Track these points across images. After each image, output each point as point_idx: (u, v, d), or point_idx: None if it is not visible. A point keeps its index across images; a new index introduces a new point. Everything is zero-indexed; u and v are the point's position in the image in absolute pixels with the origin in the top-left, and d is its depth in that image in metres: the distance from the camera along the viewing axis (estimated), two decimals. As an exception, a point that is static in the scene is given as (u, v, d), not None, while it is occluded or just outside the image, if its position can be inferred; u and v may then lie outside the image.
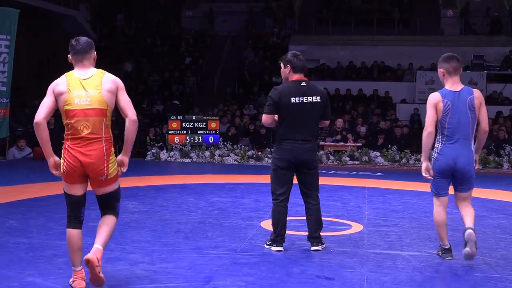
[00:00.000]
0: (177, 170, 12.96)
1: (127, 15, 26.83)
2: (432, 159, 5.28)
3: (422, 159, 5.30)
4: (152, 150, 14.77)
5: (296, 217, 6.44)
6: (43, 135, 4.26)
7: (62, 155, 4.27)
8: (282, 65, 5.54)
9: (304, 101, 5.37)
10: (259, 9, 26.16)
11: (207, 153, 14.43)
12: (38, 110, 4.28)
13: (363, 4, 25.75)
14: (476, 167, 5.27)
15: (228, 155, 14.39)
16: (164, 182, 10.30)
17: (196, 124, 14.90)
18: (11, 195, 8.29)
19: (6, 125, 12.97)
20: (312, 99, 5.41)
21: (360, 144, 14.81)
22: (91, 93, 4.18)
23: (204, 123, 14.97)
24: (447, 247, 5.29)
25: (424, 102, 8.42)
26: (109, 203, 4.38)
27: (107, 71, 4.44)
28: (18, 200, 7.97)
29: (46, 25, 22.08)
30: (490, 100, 19.86)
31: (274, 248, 5.41)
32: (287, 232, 5.56)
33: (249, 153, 14.35)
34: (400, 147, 14.00)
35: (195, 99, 21.51)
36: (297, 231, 6.10)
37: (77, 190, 4.30)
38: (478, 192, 9.47)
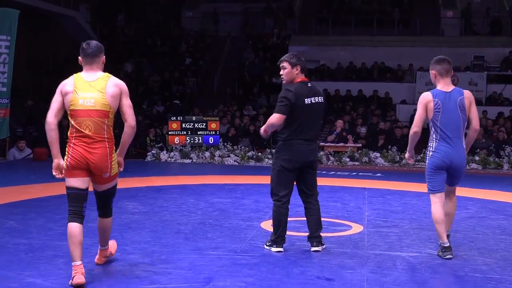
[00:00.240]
0: (177, 171, 12.94)
1: (127, 15, 26.83)
2: (427, 157, 5.47)
3: (407, 150, 5.69)
4: (152, 151, 14.76)
5: (296, 218, 6.43)
6: (52, 134, 4.47)
7: (67, 151, 4.45)
8: (288, 66, 5.48)
9: (313, 101, 5.42)
10: (258, 10, 26.16)
11: (207, 153, 14.43)
12: (49, 110, 4.50)
13: (363, 5, 25.73)
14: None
15: (228, 156, 14.38)
16: (164, 183, 10.28)
17: (196, 125, 14.90)
18: (11, 196, 8.28)
19: (6, 125, 12.95)
20: (318, 100, 5.47)
21: (360, 144, 14.81)
22: (95, 95, 4.39)
23: (204, 124, 14.96)
24: (446, 245, 5.32)
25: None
26: (107, 199, 4.68)
27: (107, 72, 4.59)
28: (18, 200, 7.96)
29: (46, 25, 22.08)
30: (490, 101, 19.87)
31: (274, 249, 5.41)
32: (287, 233, 5.55)
33: (249, 153, 14.34)
34: (400, 148, 13.99)
35: (195, 100, 21.50)
36: (297, 232, 6.10)
37: (79, 183, 4.45)
38: (478, 193, 9.53)
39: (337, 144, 14.63)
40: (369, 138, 15.62)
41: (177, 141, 14.72)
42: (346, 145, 14.56)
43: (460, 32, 24.13)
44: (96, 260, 4.85)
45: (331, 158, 14.15)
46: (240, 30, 25.72)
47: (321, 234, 5.55)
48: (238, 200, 8.48)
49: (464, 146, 5.44)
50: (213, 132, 14.99)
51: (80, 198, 4.49)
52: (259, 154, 14.36)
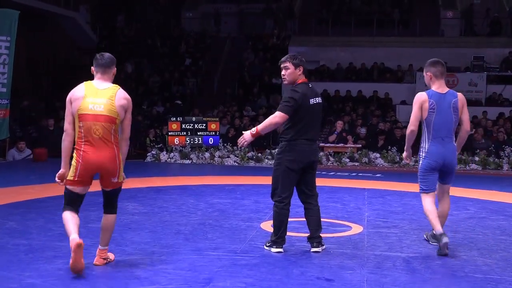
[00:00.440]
0: (177, 172, 12.93)
1: (127, 16, 26.81)
2: (420, 158, 5.66)
3: (405, 149, 5.80)
4: (152, 152, 14.75)
5: (296, 218, 6.42)
6: (66, 144, 4.73)
7: (75, 157, 4.68)
8: (291, 66, 5.47)
9: (315, 102, 5.45)
10: (258, 10, 26.15)
11: (207, 154, 14.43)
12: (65, 121, 4.77)
13: (363, 5, 25.70)
14: None
15: (228, 157, 14.38)
16: (164, 183, 10.28)
17: (196, 126, 14.90)
18: (10, 196, 8.26)
19: (6, 126, 12.93)
20: (319, 101, 5.52)
21: (360, 145, 14.80)
22: (105, 101, 4.65)
23: (204, 125, 14.96)
24: (441, 232, 5.42)
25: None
26: (113, 198, 4.85)
27: None
28: (17, 201, 7.94)
29: (46, 26, 22.06)
30: (490, 101, 19.84)
31: (274, 250, 5.41)
32: (287, 233, 5.55)
33: (249, 154, 14.33)
34: (400, 149, 13.97)
35: (195, 100, 21.48)
36: (297, 233, 6.09)
37: (80, 190, 4.73)
38: (478, 194, 9.53)
39: (337, 145, 14.63)
40: (369, 138, 15.62)
41: (177, 141, 14.72)
42: (346, 145, 14.56)
43: (460, 33, 24.11)
44: (95, 261, 4.86)
45: (331, 158, 14.15)
46: (237, 30, 25.67)
47: (321, 234, 5.55)
48: (238, 200, 8.47)
49: (455, 145, 5.66)
50: (213, 133, 15.00)
51: (77, 200, 4.76)
52: (259, 154, 14.36)
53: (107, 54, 4.87)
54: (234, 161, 14.21)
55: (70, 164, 4.72)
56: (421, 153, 5.65)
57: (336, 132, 14.87)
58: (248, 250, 5.49)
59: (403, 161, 13.51)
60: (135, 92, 20.63)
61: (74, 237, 4.53)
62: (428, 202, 5.63)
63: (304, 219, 5.62)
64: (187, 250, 5.43)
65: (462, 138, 5.77)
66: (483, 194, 9.57)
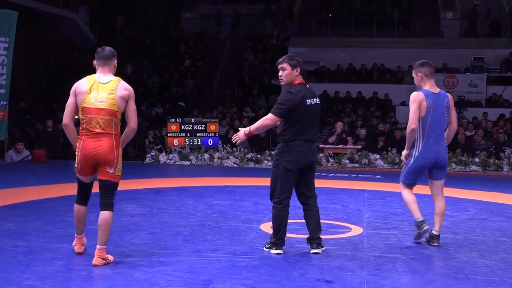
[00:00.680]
0: (176, 173, 12.92)
1: (126, 17, 26.79)
2: (413, 157, 5.84)
3: (406, 148, 5.92)
4: (151, 153, 14.72)
5: (296, 220, 6.40)
6: (71, 135, 5.06)
7: (77, 146, 4.95)
8: (288, 67, 5.46)
9: (313, 103, 5.42)
10: (258, 11, 26.14)
11: (206, 155, 14.41)
12: (64, 113, 5.00)
13: (362, 6, 25.69)
14: None
15: (228, 158, 14.36)
16: (163, 184, 10.26)
17: (195, 127, 14.88)
18: (9, 198, 8.24)
19: (5, 127, 12.89)
20: (317, 101, 5.49)
21: (360, 146, 14.78)
22: (106, 96, 4.87)
23: (203, 126, 14.95)
24: (421, 219, 5.81)
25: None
26: (107, 191, 4.96)
27: None
28: (16, 203, 7.91)
29: (45, 27, 22.08)
30: (490, 102, 19.84)
31: (273, 251, 5.39)
32: (287, 235, 5.53)
33: (249, 155, 14.32)
34: (400, 150, 13.92)
35: (194, 101, 21.47)
36: (296, 234, 6.07)
37: (84, 178, 5.07)
38: (478, 195, 9.51)
39: (337, 146, 14.61)
40: (368, 140, 15.60)
41: (176, 143, 14.70)
42: (346, 147, 14.54)
43: (460, 34, 24.10)
44: (93, 261, 4.85)
45: (331, 160, 14.13)
46: (237, 31, 25.65)
47: (320, 236, 5.53)
48: (237, 202, 8.45)
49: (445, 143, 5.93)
50: (212, 134, 14.98)
51: (86, 187, 5.12)
52: (259, 156, 14.34)
53: (107, 48, 5.09)
54: (234, 162, 14.19)
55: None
56: (414, 152, 5.82)
57: (336, 133, 14.85)
58: (248, 251, 5.47)
59: (403, 163, 13.50)
60: (135, 92, 20.52)
61: (77, 242, 5.09)
62: (407, 192, 5.95)
63: (304, 221, 5.59)
64: (186, 251, 5.41)
65: (450, 136, 5.98)
66: (483, 195, 9.55)
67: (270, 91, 20.77)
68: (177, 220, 6.94)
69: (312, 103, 5.41)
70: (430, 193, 6.10)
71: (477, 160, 13.74)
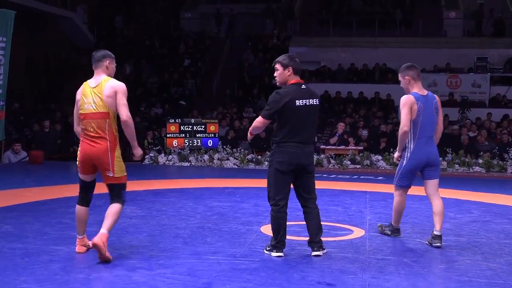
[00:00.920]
0: (175, 174, 12.89)
1: (125, 16, 26.76)
2: (405, 158, 5.96)
3: (397, 150, 6.07)
4: (150, 154, 14.67)
5: (297, 222, 6.37)
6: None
7: (79, 148, 5.23)
8: (280, 67, 5.43)
9: (307, 104, 5.32)
10: (258, 11, 26.10)
11: (206, 156, 14.35)
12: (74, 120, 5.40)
13: (364, 6, 25.64)
14: None
15: (227, 159, 14.30)
16: (162, 186, 10.22)
17: (194, 127, 14.84)
18: (6, 200, 8.20)
19: (2, 128, 12.82)
20: (313, 102, 5.38)
21: (362, 147, 14.73)
22: (96, 100, 5.07)
23: (203, 126, 14.90)
24: (398, 228, 6.25)
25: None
26: (115, 191, 5.15)
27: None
28: (13, 204, 7.88)
29: (43, 26, 22.09)
30: (494, 103, 19.75)
31: (274, 254, 5.34)
32: (287, 237, 5.49)
33: (249, 156, 14.26)
34: (401, 151, 13.90)
35: (194, 102, 21.42)
36: (297, 236, 6.03)
37: (84, 177, 5.22)
38: (481, 197, 9.46)
39: (338, 147, 14.55)
40: (370, 140, 15.55)
41: (175, 144, 14.65)
42: (347, 148, 14.48)
43: (463, 33, 24.01)
44: (94, 238, 4.93)
45: (332, 161, 14.07)
46: (237, 31, 25.60)
47: (322, 238, 5.48)
48: (237, 203, 8.41)
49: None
50: (212, 135, 14.94)
51: (87, 187, 5.24)
52: (259, 157, 14.28)
53: (101, 50, 5.31)
54: (234, 164, 14.13)
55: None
56: (406, 153, 5.95)
57: (337, 134, 14.79)
58: (248, 254, 5.43)
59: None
60: (134, 93, 20.56)
61: (78, 243, 5.26)
62: (401, 201, 6.10)
63: (305, 223, 5.53)
64: (185, 254, 5.37)
65: (437, 138, 6.08)
66: (487, 197, 9.51)
67: (271, 92, 20.49)
68: (177, 222, 6.90)
69: (307, 104, 5.31)
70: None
71: (480, 161, 13.68)
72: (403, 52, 21.83)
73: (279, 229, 5.33)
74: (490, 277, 4.85)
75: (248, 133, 5.56)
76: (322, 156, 14.09)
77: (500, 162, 13.69)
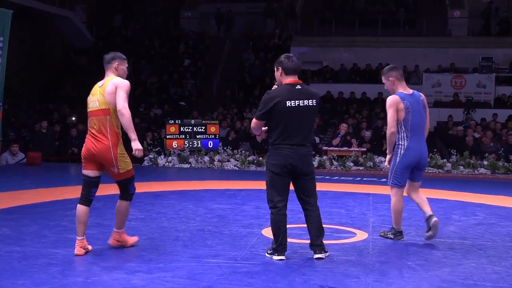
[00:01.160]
0: (175, 176, 12.85)
1: (124, 16, 26.73)
2: (398, 155, 6.05)
3: (388, 152, 6.16)
4: (150, 155, 14.61)
5: (298, 225, 6.34)
6: None
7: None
8: (275, 68, 5.42)
9: (300, 104, 5.23)
10: (260, 10, 26.05)
11: (206, 158, 14.28)
12: None
13: (367, 5, 25.56)
14: None
15: (228, 161, 14.23)
16: (162, 188, 10.18)
17: (195, 129, 14.77)
18: (3, 202, 8.18)
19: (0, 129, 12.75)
20: (308, 103, 5.28)
21: (365, 149, 14.64)
22: (99, 97, 5.28)
23: (203, 127, 14.83)
24: (400, 230, 6.24)
25: (431, 106, 8.42)
26: (123, 186, 5.48)
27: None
28: (11, 206, 7.86)
29: (42, 26, 22.13)
30: (499, 103, 19.64)
31: (275, 257, 5.28)
32: (289, 240, 5.45)
33: (250, 158, 14.20)
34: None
35: (194, 102, 21.36)
36: (299, 239, 5.99)
37: (88, 173, 5.33)
38: (486, 199, 9.39)
39: (341, 149, 14.47)
40: (374, 142, 15.47)
41: (175, 145, 14.58)
42: (350, 149, 14.40)
43: (468, 33, 23.89)
44: (109, 241, 5.48)
45: (335, 163, 13.99)
46: (226, 31, 25.54)
47: (324, 241, 5.42)
48: (238, 206, 8.36)
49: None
50: (213, 136, 14.87)
51: (89, 184, 5.33)
52: (260, 158, 14.20)
53: (111, 52, 5.50)
54: (234, 165, 14.06)
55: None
56: (399, 151, 6.04)
57: (340, 135, 14.71)
58: (249, 257, 5.39)
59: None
60: (133, 93, 20.49)
61: (77, 244, 5.26)
62: (399, 201, 6.12)
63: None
64: (185, 257, 5.34)
65: (425, 134, 6.20)
66: (492, 199, 9.45)
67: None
68: (176, 225, 6.86)
69: (300, 104, 5.22)
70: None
71: (485, 163, 13.60)
72: (406, 52, 21.78)
73: (279, 232, 5.28)
74: (495, 280, 4.80)
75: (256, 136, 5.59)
76: (325, 157, 14.02)
77: (505, 163, 13.59)
